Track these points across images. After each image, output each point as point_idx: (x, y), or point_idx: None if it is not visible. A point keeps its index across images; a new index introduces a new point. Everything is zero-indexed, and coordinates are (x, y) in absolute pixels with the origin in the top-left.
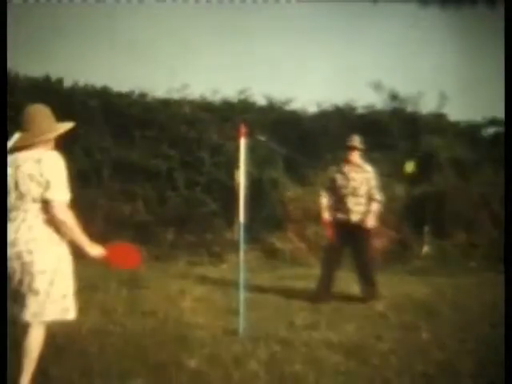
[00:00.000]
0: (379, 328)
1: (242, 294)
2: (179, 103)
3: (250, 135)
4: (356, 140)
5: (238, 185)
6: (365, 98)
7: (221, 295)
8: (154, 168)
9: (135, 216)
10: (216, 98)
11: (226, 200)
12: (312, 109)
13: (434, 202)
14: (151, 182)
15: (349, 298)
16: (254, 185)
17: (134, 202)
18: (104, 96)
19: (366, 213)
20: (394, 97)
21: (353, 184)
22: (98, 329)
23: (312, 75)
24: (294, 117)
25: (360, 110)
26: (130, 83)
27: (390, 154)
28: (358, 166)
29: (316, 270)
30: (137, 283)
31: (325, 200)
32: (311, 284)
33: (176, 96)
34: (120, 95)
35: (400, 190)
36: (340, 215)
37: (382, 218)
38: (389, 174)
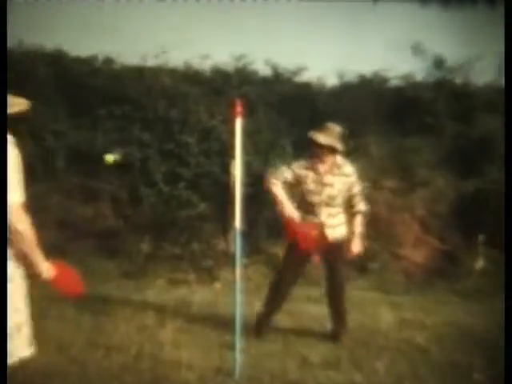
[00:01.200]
0: (418, 367)
1: (239, 323)
2: (157, 72)
3: (250, 115)
4: (333, 133)
5: (234, 180)
6: (401, 65)
7: (212, 324)
8: (124, 158)
9: (99, 220)
10: (205, 65)
11: (219, 200)
12: (331, 80)
13: (490, 202)
14: (120, 175)
15: (313, 334)
16: (255, 179)
17: (97, 202)
18: (58, 62)
19: (343, 228)
20: (439, 64)
21: (329, 191)
22: (51, 369)
23: (330, 36)
24: (307, 91)
25: (394, 82)
26: (91, 46)
27: (433, 140)
28: (337, 165)
29: None
30: (101, 308)
31: (279, 187)
32: (326, 310)
33: (152, 63)
34: (79, 61)
35: (447, 187)
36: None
37: (423, 222)
38: (432, 166)
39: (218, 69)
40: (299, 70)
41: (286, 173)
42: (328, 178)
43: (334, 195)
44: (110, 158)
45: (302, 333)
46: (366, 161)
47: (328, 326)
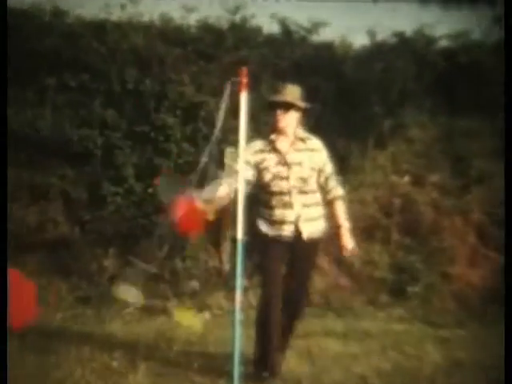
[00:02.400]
0: None
1: (238, 366)
2: (124, 29)
3: (250, 87)
4: (291, 92)
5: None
6: (451, 21)
7: (199, 367)
8: (81, 145)
9: (47, 227)
10: (190, 20)
11: None
12: (359, 40)
13: None
14: (76, 167)
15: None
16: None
17: (45, 204)
18: None
19: (322, 223)
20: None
21: (298, 172)
22: None
23: None
24: (328, 54)
25: (442, 43)
26: None
27: (493, 121)
28: (300, 139)
29: (367, 323)
30: (50, 345)
31: (225, 192)
32: (354, 348)
33: (118, 16)
34: (20, 14)
35: None
36: (277, 228)
37: (481, 231)
38: (492, 156)
39: (207, 25)
40: (317, 27)
41: (244, 171)
42: (293, 156)
43: (304, 176)
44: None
45: (320, 380)
46: (404, 148)
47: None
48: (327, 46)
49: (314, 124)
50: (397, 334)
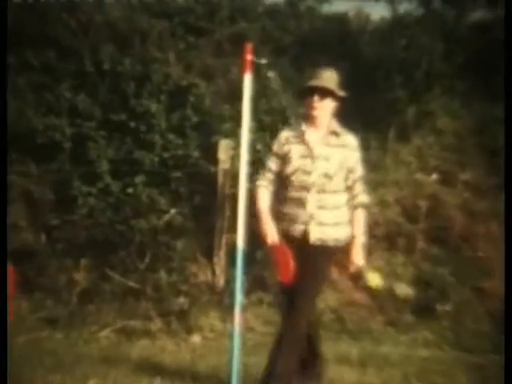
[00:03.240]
0: None
1: None
2: None
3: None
4: (329, 77)
5: (224, 172)
6: None
7: None
8: (46, 136)
9: (7, 234)
10: None
11: (200, 202)
12: (378, 12)
13: None
14: (41, 164)
15: None
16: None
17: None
18: None
19: (342, 230)
20: None
21: (323, 168)
22: None
23: None
24: (342, 28)
25: (476, 15)
26: None
27: None
28: (334, 133)
29: (387, 348)
30: (11, 373)
31: (265, 196)
32: (372, 377)
33: None
34: None
35: None
36: (287, 228)
37: None
38: None
39: None
40: None
41: (270, 161)
42: (321, 150)
43: (330, 174)
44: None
45: None
46: (431, 141)
47: None
48: (340, 19)
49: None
50: (422, 361)
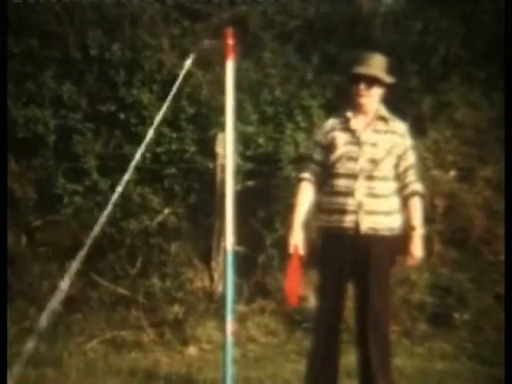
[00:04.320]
0: None
1: None
2: None
3: (250, 54)
4: (377, 63)
5: (223, 168)
6: None
7: None
8: (27, 129)
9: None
10: None
11: (196, 201)
12: None
13: None
14: (22, 160)
15: None
16: (261, 166)
17: None
18: None
19: (395, 219)
20: None
21: (370, 153)
22: None
23: None
24: (351, 11)
25: None
26: None
27: None
28: (382, 118)
29: (400, 360)
30: None
31: (308, 192)
32: None
33: None
34: None
35: None
36: (337, 219)
37: None
38: None
39: None
40: None
41: (313, 152)
42: (368, 136)
43: (377, 159)
44: None
45: None
46: (449, 134)
47: None
48: (349, 1)
49: (334, 102)
50: (439, 374)
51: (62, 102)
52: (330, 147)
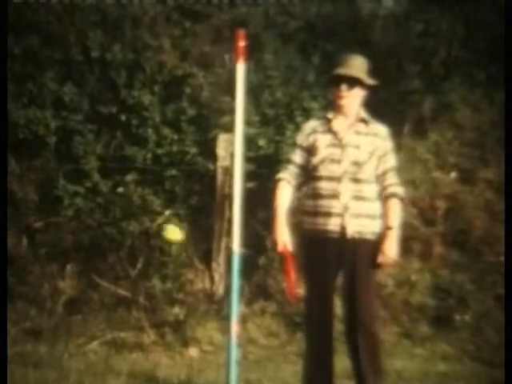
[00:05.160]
0: None
1: None
2: None
3: (251, 55)
4: (358, 64)
5: (224, 169)
6: None
7: None
8: (28, 130)
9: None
10: None
11: (197, 202)
12: None
13: None
14: (23, 161)
15: None
16: (261, 167)
17: None
18: None
19: (378, 223)
20: None
21: (353, 155)
22: None
23: None
24: (352, 11)
25: None
26: None
27: None
28: (362, 121)
29: (401, 362)
30: None
31: (286, 191)
32: None
33: None
34: None
35: None
36: (322, 222)
37: None
38: None
39: None
40: None
41: (293, 154)
42: (350, 138)
43: (360, 161)
44: (172, 231)
45: None
46: (450, 136)
47: None
48: (350, 2)
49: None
50: (440, 377)
51: (62, 103)
52: (311, 150)
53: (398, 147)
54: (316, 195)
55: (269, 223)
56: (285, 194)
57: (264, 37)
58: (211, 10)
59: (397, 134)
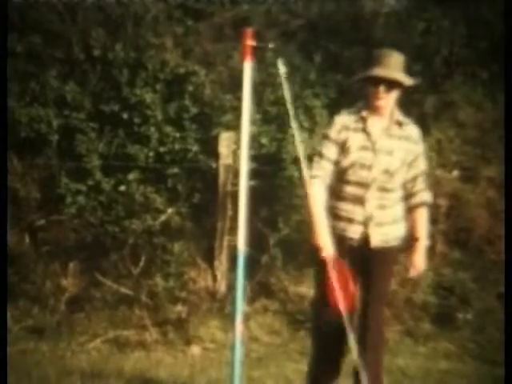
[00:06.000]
0: None
1: None
2: None
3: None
4: (396, 63)
5: (226, 167)
6: None
7: None
8: (31, 128)
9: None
10: None
11: (199, 200)
12: None
13: None
14: (25, 159)
15: None
16: (264, 166)
17: None
18: None
19: (401, 228)
20: None
21: (385, 163)
22: None
23: None
24: (354, 10)
25: None
26: None
27: None
28: (397, 122)
29: (403, 360)
30: None
31: (322, 190)
32: None
33: None
34: None
35: None
36: (342, 227)
37: None
38: None
39: None
40: None
41: (326, 148)
42: (384, 142)
43: (392, 170)
44: None
45: None
46: (452, 134)
47: None
48: (352, 0)
49: (337, 101)
50: (443, 375)
51: (65, 101)
52: (343, 148)
53: None
54: (339, 197)
55: (271, 221)
56: (321, 194)
57: (266, 35)
58: (213, 8)
59: None
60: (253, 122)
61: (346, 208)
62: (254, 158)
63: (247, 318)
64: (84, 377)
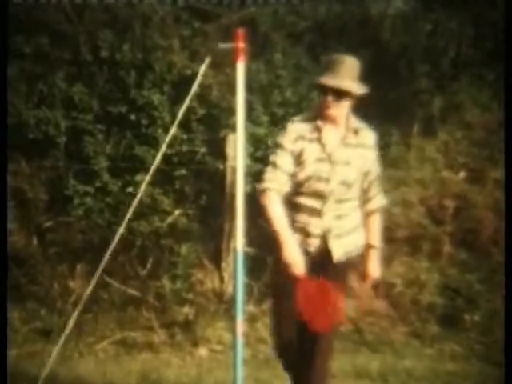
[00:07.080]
0: None
1: None
2: None
3: (260, 55)
4: (349, 71)
5: (233, 169)
6: None
7: None
8: (39, 130)
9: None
10: None
11: (207, 202)
12: None
13: None
14: (33, 161)
15: None
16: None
17: None
18: None
19: (359, 236)
20: None
21: (342, 174)
22: None
23: None
24: (361, 11)
25: None
26: None
27: None
28: (353, 130)
29: (410, 361)
30: None
31: (279, 203)
32: None
33: None
34: None
35: None
36: (302, 241)
37: None
38: None
39: None
40: None
41: (281, 158)
42: (341, 153)
43: (349, 181)
44: None
45: None
46: (459, 135)
47: None
48: (359, 2)
49: None
50: (449, 376)
51: (72, 103)
52: (297, 159)
53: (407, 147)
54: (293, 208)
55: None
56: (280, 207)
57: (273, 36)
58: (220, 10)
59: (406, 134)
60: (260, 124)
61: (302, 220)
62: (261, 160)
63: (254, 319)
64: (91, 378)
